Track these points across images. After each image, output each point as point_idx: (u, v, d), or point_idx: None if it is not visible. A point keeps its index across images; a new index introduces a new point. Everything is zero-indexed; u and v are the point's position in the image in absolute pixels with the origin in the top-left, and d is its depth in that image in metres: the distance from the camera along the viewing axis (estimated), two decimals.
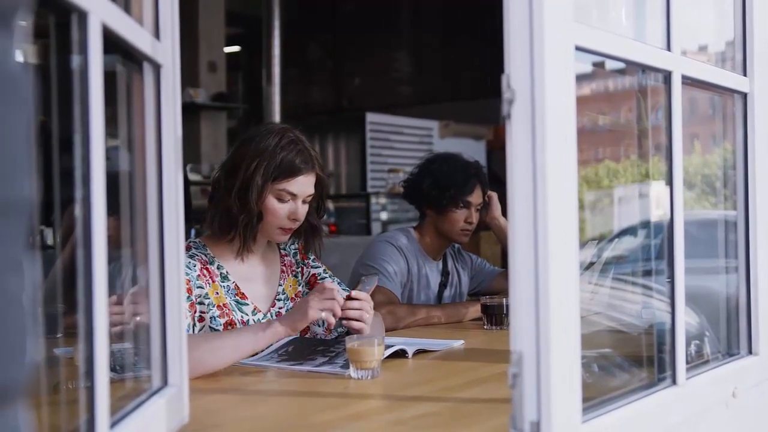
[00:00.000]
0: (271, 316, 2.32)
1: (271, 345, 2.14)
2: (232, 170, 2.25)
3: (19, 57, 0.59)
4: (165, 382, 1.40)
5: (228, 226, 2.27)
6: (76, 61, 1.04)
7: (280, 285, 2.41)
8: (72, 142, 1.05)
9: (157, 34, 1.38)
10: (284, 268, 2.44)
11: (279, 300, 2.38)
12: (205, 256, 2.27)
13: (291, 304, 2.38)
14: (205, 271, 2.23)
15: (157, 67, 1.38)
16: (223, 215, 2.26)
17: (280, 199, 2.25)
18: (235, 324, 2.23)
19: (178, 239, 1.42)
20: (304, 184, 2.27)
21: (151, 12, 1.38)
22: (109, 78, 1.11)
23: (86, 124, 1.03)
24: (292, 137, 2.28)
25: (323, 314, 2.05)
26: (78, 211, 1.05)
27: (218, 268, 2.28)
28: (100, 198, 1.04)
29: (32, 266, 0.60)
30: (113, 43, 1.15)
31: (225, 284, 2.27)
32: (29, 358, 0.59)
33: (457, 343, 2.39)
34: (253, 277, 2.35)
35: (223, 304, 2.23)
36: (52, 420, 1.21)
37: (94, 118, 1.04)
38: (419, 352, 2.22)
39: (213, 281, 2.24)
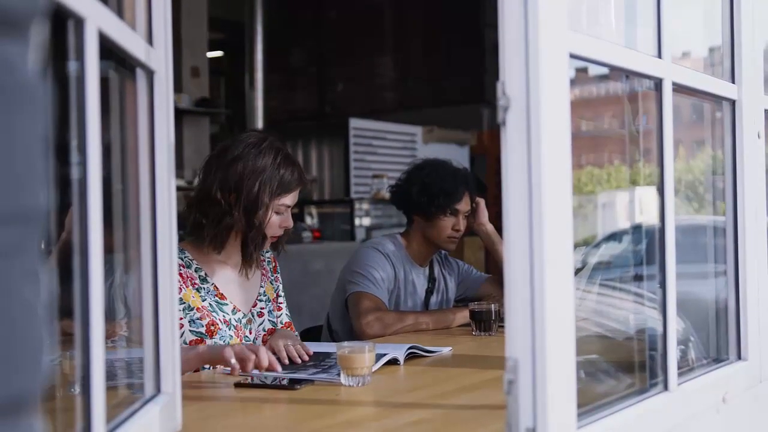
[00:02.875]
0: (252, 316, 2.41)
1: None
2: (230, 188, 2.28)
3: (34, 65, 0.59)
4: (158, 389, 1.39)
5: (226, 241, 2.33)
6: (72, 66, 1.04)
7: (262, 286, 2.48)
8: (67, 147, 1.05)
9: (150, 40, 1.37)
10: (264, 271, 2.52)
11: (261, 300, 2.46)
12: (182, 259, 2.29)
13: (272, 306, 2.48)
14: (179, 276, 2.24)
15: (150, 74, 1.37)
16: (226, 232, 2.31)
17: (278, 213, 2.35)
18: (217, 324, 2.28)
19: (171, 246, 1.41)
20: (296, 196, 2.39)
21: (144, 18, 1.38)
22: (102, 84, 1.10)
23: (83, 129, 1.03)
24: (284, 152, 2.37)
25: (233, 361, 1.94)
26: (73, 216, 1.04)
27: (196, 271, 2.33)
28: (97, 204, 1.04)
29: (46, 275, 0.60)
30: (107, 49, 1.15)
31: (204, 286, 2.32)
32: (44, 367, 0.59)
33: (446, 350, 2.39)
34: (233, 280, 2.40)
35: (202, 307, 2.28)
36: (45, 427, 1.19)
37: (90, 123, 1.03)
38: (411, 357, 2.22)
39: (187, 285, 2.28)
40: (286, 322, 2.51)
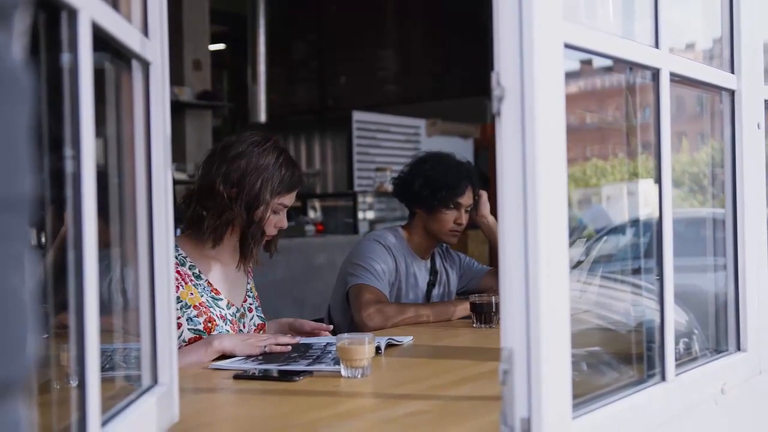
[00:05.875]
0: (244, 310, 2.46)
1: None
2: (233, 183, 2.32)
3: (18, 54, 0.59)
4: (155, 380, 1.39)
5: (224, 236, 2.36)
6: (65, 58, 1.04)
7: (248, 283, 2.53)
8: (60, 140, 1.05)
9: (145, 31, 1.37)
10: (249, 269, 2.55)
11: (249, 296, 2.51)
12: (176, 257, 2.30)
13: (257, 303, 2.53)
14: (176, 274, 2.26)
15: (146, 65, 1.37)
16: (225, 226, 2.34)
17: (275, 212, 2.38)
18: (214, 320, 2.31)
19: (168, 239, 1.41)
20: (294, 197, 2.44)
21: (140, 9, 1.38)
22: (97, 76, 1.10)
23: (76, 122, 1.03)
24: (287, 153, 2.41)
25: (247, 349, 2.17)
26: (67, 210, 1.04)
27: (190, 268, 2.36)
28: (91, 197, 1.04)
29: (32, 262, 0.61)
30: (102, 41, 1.15)
31: (200, 283, 2.35)
32: (30, 353, 0.59)
33: (408, 339, 2.42)
34: (224, 276, 2.43)
35: (200, 303, 2.31)
36: (42, 419, 1.20)
37: (84, 116, 1.03)
38: (389, 346, 2.27)
39: (186, 282, 2.31)
40: (259, 324, 2.52)
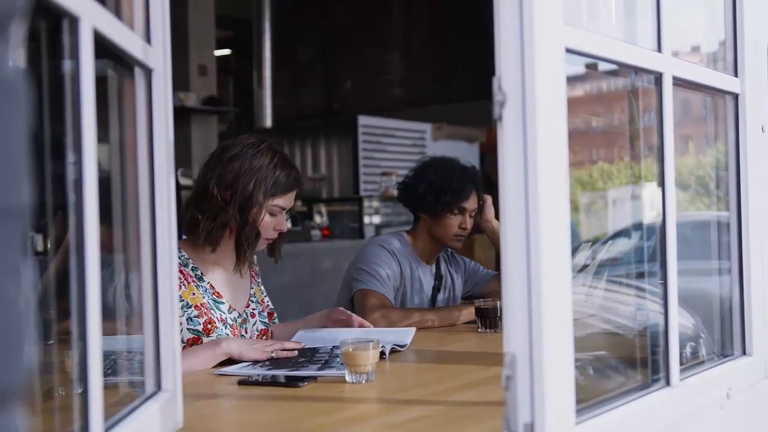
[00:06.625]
0: (246, 315, 2.46)
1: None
2: (227, 185, 2.32)
3: (15, 62, 0.59)
4: (159, 387, 1.39)
5: (220, 239, 2.35)
6: (67, 66, 1.04)
7: (252, 288, 2.52)
8: (63, 147, 1.05)
9: (148, 38, 1.38)
10: (253, 274, 2.56)
11: (252, 302, 2.51)
12: (179, 258, 2.31)
13: (261, 307, 2.52)
14: (179, 274, 2.27)
15: (148, 72, 1.38)
16: (220, 229, 2.33)
17: (272, 214, 2.37)
18: (214, 322, 2.32)
19: (171, 245, 1.42)
20: (292, 199, 2.42)
21: (142, 16, 1.38)
22: (100, 83, 1.11)
23: (78, 129, 1.03)
24: (282, 155, 2.41)
25: (253, 354, 2.17)
26: (70, 217, 1.04)
27: (193, 270, 2.36)
28: (93, 204, 1.04)
29: (29, 271, 0.61)
30: (104, 48, 1.15)
31: (202, 285, 2.36)
32: (27, 361, 0.60)
33: (410, 334, 2.44)
34: (226, 280, 2.43)
35: (201, 304, 2.32)
36: (46, 426, 1.20)
37: (86, 123, 1.04)
38: (393, 352, 2.27)
39: (188, 282, 2.32)
40: (262, 329, 2.52)
